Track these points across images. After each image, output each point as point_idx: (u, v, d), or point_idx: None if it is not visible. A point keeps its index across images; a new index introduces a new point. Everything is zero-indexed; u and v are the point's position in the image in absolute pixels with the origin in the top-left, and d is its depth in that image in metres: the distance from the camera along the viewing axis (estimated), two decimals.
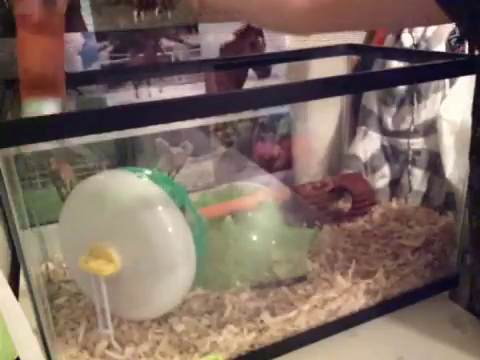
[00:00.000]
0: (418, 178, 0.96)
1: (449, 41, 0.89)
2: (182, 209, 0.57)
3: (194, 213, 0.60)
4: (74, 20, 0.76)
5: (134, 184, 0.56)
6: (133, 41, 0.81)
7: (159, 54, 0.83)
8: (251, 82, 0.91)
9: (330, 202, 0.88)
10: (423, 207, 0.84)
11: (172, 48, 0.84)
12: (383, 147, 0.99)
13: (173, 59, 0.84)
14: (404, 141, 0.95)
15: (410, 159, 0.95)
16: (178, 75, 0.85)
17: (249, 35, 0.89)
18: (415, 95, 0.92)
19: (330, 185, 0.89)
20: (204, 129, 0.91)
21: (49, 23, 0.48)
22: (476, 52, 0.58)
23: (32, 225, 0.63)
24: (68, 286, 0.66)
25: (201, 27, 0.85)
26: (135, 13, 0.79)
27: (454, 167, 0.87)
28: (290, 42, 0.92)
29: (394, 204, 0.86)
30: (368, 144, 0.98)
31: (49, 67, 0.49)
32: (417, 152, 0.95)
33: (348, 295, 0.63)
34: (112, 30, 0.79)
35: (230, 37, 0.87)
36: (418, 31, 0.92)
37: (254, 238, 0.69)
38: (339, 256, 0.70)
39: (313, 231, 0.75)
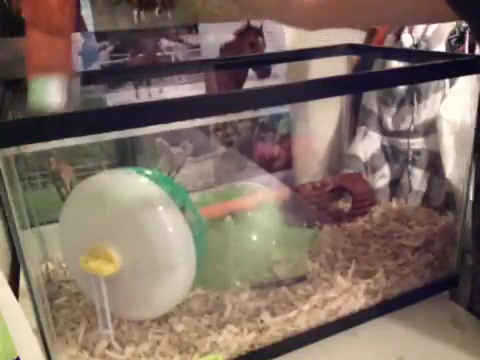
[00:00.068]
0: (418, 178, 0.96)
1: (449, 41, 0.89)
2: (182, 209, 0.57)
3: (194, 213, 0.60)
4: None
5: (134, 184, 0.56)
6: (133, 41, 0.81)
7: (159, 54, 0.83)
8: (251, 82, 0.91)
9: (330, 202, 0.88)
10: (423, 207, 0.84)
11: (172, 48, 0.84)
12: (383, 147, 0.99)
13: (173, 59, 0.84)
14: (404, 141, 0.95)
15: (410, 159, 0.95)
16: (178, 75, 0.85)
17: (249, 35, 0.89)
18: (415, 95, 0.92)
19: (330, 185, 0.89)
20: (204, 129, 0.91)
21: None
22: (477, 51, 0.58)
23: (32, 225, 0.63)
24: (68, 286, 0.66)
25: (201, 27, 0.85)
26: (135, 13, 0.79)
27: (454, 167, 0.87)
28: (290, 42, 0.92)
29: (394, 204, 0.86)
30: (368, 144, 0.98)
31: (56, 44, 0.49)
32: (417, 152, 0.95)
33: (348, 295, 0.63)
34: (112, 30, 0.79)
35: (230, 37, 0.87)
36: (418, 31, 0.92)
37: (254, 238, 0.69)
38: (339, 256, 0.70)
39: (313, 231, 0.75)
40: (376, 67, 0.93)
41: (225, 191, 0.78)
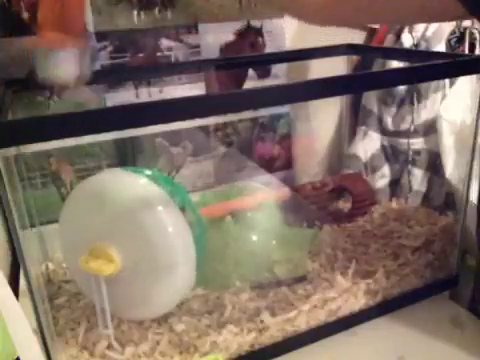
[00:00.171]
0: (418, 178, 0.96)
1: (449, 41, 0.89)
2: (182, 209, 0.57)
3: (194, 213, 0.60)
4: None
5: (134, 184, 0.56)
6: (133, 41, 0.81)
7: (159, 54, 0.83)
8: (251, 82, 0.91)
9: (330, 202, 0.88)
10: (423, 207, 0.84)
11: (172, 48, 0.84)
12: (383, 147, 0.99)
13: (173, 59, 0.84)
14: (404, 141, 0.95)
15: (410, 159, 0.95)
16: (178, 75, 0.85)
17: (249, 35, 0.89)
18: (415, 95, 0.92)
19: (330, 185, 0.89)
20: (204, 129, 0.91)
21: None
22: (477, 51, 0.58)
23: (32, 225, 0.63)
24: (68, 286, 0.66)
25: (201, 27, 0.85)
26: (135, 13, 0.79)
27: (454, 167, 0.87)
28: (290, 42, 0.92)
29: (394, 204, 0.86)
30: (368, 144, 0.98)
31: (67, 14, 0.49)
32: (417, 152, 0.95)
33: (348, 295, 0.63)
34: (112, 30, 0.79)
35: (230, 37, 0.87)
36: (418, 31, 0.92)
37: (254, 238, 0.69)
38: (339, 256, 0.70)
39: (313, 231, 0.75)
40: (376, 67, 0.93)
41: (225, 191, 0.78)
